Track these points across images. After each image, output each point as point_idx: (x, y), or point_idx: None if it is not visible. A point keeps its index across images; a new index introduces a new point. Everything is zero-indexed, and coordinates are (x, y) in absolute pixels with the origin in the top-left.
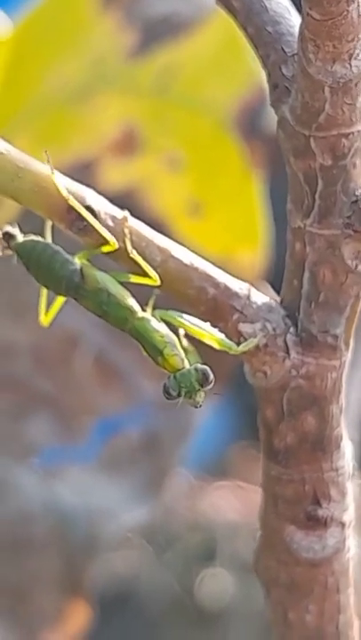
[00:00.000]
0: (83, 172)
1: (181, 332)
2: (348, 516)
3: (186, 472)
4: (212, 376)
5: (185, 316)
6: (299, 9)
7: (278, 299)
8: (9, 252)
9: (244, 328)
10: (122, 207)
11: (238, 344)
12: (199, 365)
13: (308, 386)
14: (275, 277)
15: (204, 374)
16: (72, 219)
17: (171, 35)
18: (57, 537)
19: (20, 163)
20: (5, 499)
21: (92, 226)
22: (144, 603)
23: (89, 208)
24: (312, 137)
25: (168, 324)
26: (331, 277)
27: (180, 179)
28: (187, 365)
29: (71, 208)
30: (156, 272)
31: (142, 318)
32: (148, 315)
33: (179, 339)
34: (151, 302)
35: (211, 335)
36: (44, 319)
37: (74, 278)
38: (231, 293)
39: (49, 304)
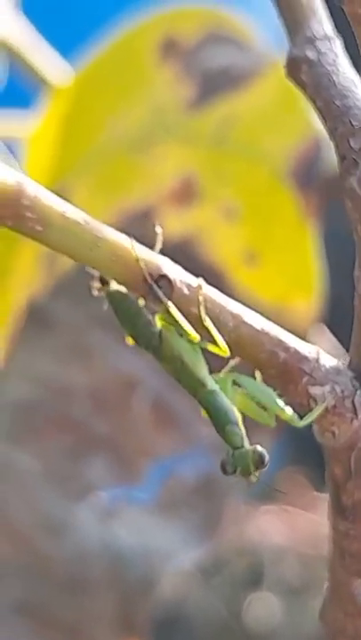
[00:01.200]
0: (141, 221)
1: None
2: None
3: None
4: (267, 459)
5: (257, 383)
6: None
7: (346, 360)
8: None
9: (314, 390)
10: (179, 256)
11: (308, 405)
12: (258, 448)
13: None
14: (330, 325)
15: (261, 457)
16: (148, 288)
17: (229, 86)
18: (113, 577)
19: (98, 233)
20: (64, 538)
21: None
22: (193, 627)
23: (165, 277)
24: None
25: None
26: None
27: (236, 228)
28: (246, 445)
29: (148, 277)
30: (229, 337)
31: (211, 392)
32: (217, 389)
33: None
34: (225, 372)
35: (276, 405)
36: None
37: (153, 341)
38: (301, 357)
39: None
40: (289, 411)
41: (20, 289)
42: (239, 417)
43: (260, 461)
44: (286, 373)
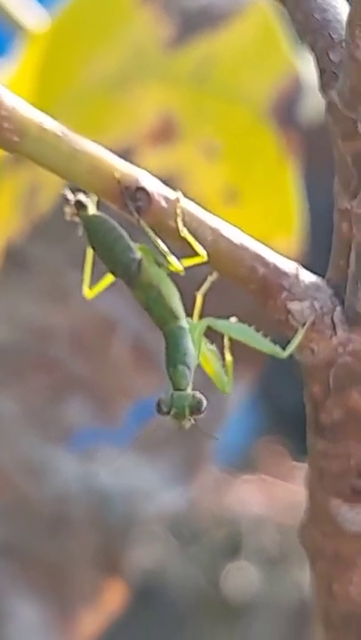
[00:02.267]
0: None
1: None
2: None
3: (212, 466)
4: (204, 408)
5: (234, 323)
6: None
7: (325, 278)
8: (75, 218)
9: (293, 306)
10: None
11: (287, 321)
12: (198, 394)
13: (354, 363)
14: (310, 263)
15: (199, 403)
16: (126, 199)
17: (208, 25)
18: (94, 517)
19: (76, 145)
20: (43, 480)
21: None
22: (170, 596)
23: (142, 189)
24: (360, 121)
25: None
26: None
27: (216, 166)
28: (189, 389)
29: (125, 188)
30: (208, 252)
31: (180, 327)
32: (187, 327)
33: (223, 353)
34: (204, 288)
35: (257, 342)
36: (89, 293)
37: (131, 267)
38: (280, 272)
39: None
40: (271, 344)
41: None
42: (195, 364)
43: (196, 407)
44: (265, 289)
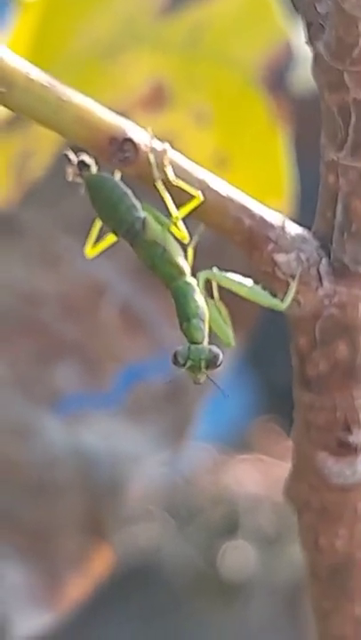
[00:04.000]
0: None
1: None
2: None
3: (209, 446)
4: (220, 361)
5: (231, 275)
6: None
7: (312, 231)
8: (78, 179)
9: (279, 258)
10: None
11: (273, 273)
12: (214, 348)
13: (340, 314)
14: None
15: (215, 357)
16: (113, 150)
17: None
18: (81, 481)
19: (63, 95)
20: (30, 443)
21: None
22: (166, 575)
23: (129, 140)
24: (346, 71)
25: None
26: None
27: (207, 132)
28: (205, 343)
29: (112, 139)
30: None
31: (188, 283)
32: (194, 282)
33: (220, 309)
34: (194, 240)
35: (256, 293)
36: (90, 251)
37: (135, 225)
38: (267, 224)
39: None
40: (269, 296)
41: None
42: (207, 315)
43: (213, 361)
44: (252, 240)
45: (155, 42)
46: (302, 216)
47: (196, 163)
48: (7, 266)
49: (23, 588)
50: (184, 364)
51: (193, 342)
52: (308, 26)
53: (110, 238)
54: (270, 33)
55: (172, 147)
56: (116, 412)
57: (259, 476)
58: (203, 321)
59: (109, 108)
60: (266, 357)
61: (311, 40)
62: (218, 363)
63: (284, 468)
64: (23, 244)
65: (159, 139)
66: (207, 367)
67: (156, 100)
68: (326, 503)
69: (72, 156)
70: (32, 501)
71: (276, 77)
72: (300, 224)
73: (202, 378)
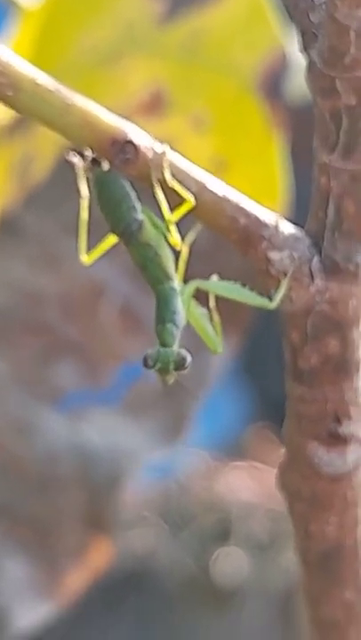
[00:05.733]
0: None
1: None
2: None
3: (202, 452)
4: (188, 364)
5: (220, 281)
6: None
7: (304, 230)
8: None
9: (273, 255)
10: None
11: (267, 270)
12: (183, 351)
13: (331, 310)
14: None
15: (183, 359)
16: (115, 152)
17: (198, 1)
18: (82, 476)
19: (69, 100)
20: (32, 439)
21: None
22: (160, 581)
23: (130, 142)
24: (338, 78)
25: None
26: (354, 208)
27: (204, 137)
28: (175, 347)
29: (114, 141)
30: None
31: (173, 288)
32: (178, 289)
33: (212, 317)
34: (190, 238)
35: (245, 296)
36: (87, 258)
37: (133, 226)
38: (261, 223)
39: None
40: (258, 297)
41: None
42: (183, 323)
43: (180, 363)
44: (247, 238)
45: (154, 48)
46: (297, 218)
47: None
48: (10, 267)
49: (24, 580)
50: (153, 366)
51: (163, 345)
52: (302, 34)
53: (107, 242)
54: (267, 41)
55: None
56: (115, 409)
57: (252, 483)
58: (177, 326)
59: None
60: (260, 365)
61: (305, 48)
62: (185, 365)
63: None
64: (25, 246)
65: (159, 142)
66: (176, 369)
67: (155, 105)
68: (317, 491)
69: (88, 152)
70: (33, 495)
71: (272, 84)
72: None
73: (170, 379)
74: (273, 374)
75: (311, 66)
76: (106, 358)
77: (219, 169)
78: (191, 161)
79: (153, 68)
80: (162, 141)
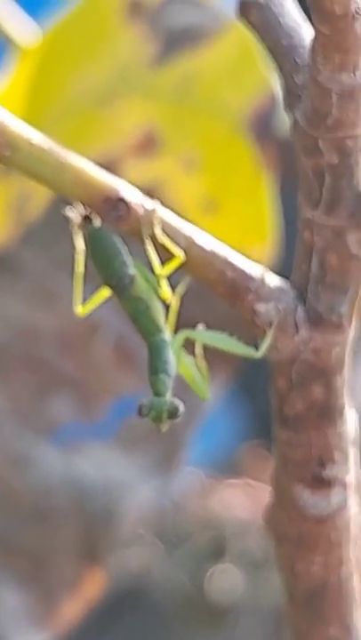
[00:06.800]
0: (106, 171)
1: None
2: (350, 478)
3: (197, 470)
4: (180, 413)
5: (208, 332)
6: (311, 22)
7: (289, 282)
8: (77, 230)
9: (259, 307)
10: None
11: (253, 321)
12: (176, 400)
13: (315, 359)
14: (282, 268)
15: (175, 409)
16: (107, 209)
17: (190, 44)
18: (76, 508)
19: (63, 159)
20: (28, 471)
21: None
22: (155, 599)
23: (122, 200)
24: (321, 138)
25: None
26: (336, 262)
27: (196, 178)
28: (168, 396)
29: (107, 199)
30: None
31: (164, 340)
32: (169, 340)
33: (199, 365)
34: (180, 290)
35: (232, 346)
36: (82, 310)
37: (125, 280)
38: (247, 276)
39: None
40: (244, 346)
41: None
42: (175, 372)
43: (173, 412)
44: (233, 291)
45: (146, 90)
46: (286, 257)
47: (185, 207)
48: (6, 303)
49: (20, 609)
50: (148, 415)
51: (157, 395)
52: (287, 94)
53: (101, 294)
54: (256, 83)
55: (162, 192)
56: (109, 443)
57: (246, 501)
58: (169, 376)
59: (102, 154)
60: (254, 384)
61: (289, 107)
62: (178, 414)
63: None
64: (21, 283)
65: (149, 187)
66: (169, 417)
67: (148, 146)
68: (303, 532)
69: (81, 209)
70: (29, 527)
71: (262, 126)
72: (283, 264)
73: (164, 427)
74: (267, 393)
75: (295, 125)
76: (100, 393)
77: (209, 208)
78: (182, 201)
79: (145, 109)
80: (153, 182)
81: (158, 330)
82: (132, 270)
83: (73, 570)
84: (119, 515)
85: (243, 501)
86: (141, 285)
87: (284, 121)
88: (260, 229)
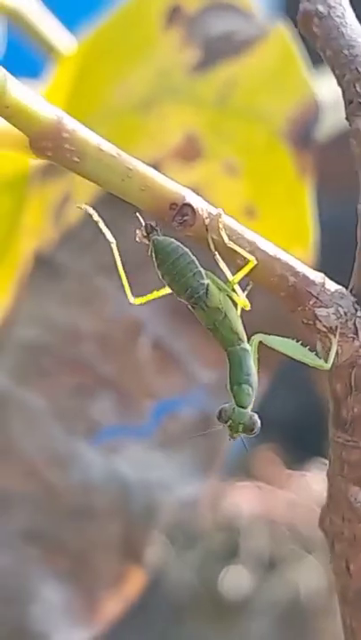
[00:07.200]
0: None
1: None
2: None
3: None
4: (256, 430)
5: (281, 338)
6: None
7: (349, 287)
8: (145, 240)
9: (320, 312)
10: None
11: (315, 325)
12: (255, 417)
13: None
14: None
15: (253, 424)
16: (173, 214)
17: (230, 51)
18: (117, 507)
19: (130, 165)
20: (70, 471)
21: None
22: (167, 600)
23: (189, 205)
24: None
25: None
26: None
27: (236, 183)
28: (249, 408)
29: (173, 204)
30: (245, 262)
31: (245, 349)
32: (249, 349)
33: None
34: (245, 292)
35: (301, 354)
36: (137, 299)
37: (199, 291)
38: (309, 281)
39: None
40: (314, 356)
41: (29, 241)
42: (257, 384)
43: (250, 427)
44: (295, 296)
45: (188, 96)
46: (323, 263)
47: (225, 212)
48: (48, 305)
49: (60, 606)
50: (225, 422)
51: (240, 405)
52: (348, 103)
53: (160, 291)
54: (297, 89)
55: (202, 197)
56: (149, 444)
57: (258, 504)
58: (252, 387)
59: (144, 159)
60: (265, 389)
61: (351, 116)
62: (255, 431)
63: (282, 496)
64: (62, 285)
65: (193, 189)
66: (244, 431)
67: (188, 151)
68: (357, 533)
69: (146, 222)
70: (70, 525)
71: (303, 132)
72: (321, 270)
73: (236, 437)
74: (278, 398)
75: (356, 133)
76: (140, 395)
77: (250, 214)
78: (223, 206)
79: (186, 115)
80: (194, 187)
81: (238, 339)
82: (205, 279)
83: (114, 568)
84: (158, 515)
85: (254, 504)
86: (217, 295)
87: (323, 127)
88: (300, 235)
